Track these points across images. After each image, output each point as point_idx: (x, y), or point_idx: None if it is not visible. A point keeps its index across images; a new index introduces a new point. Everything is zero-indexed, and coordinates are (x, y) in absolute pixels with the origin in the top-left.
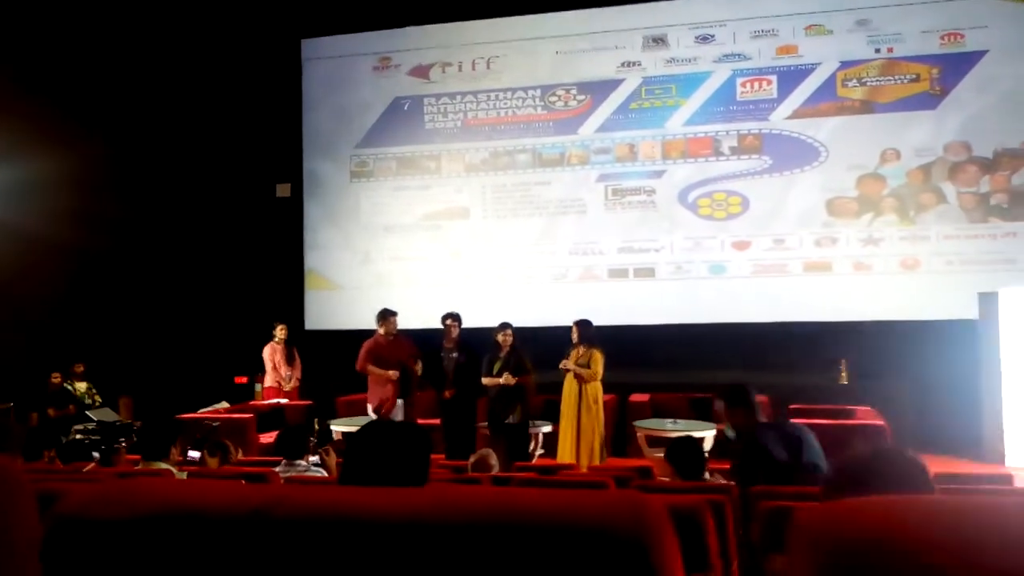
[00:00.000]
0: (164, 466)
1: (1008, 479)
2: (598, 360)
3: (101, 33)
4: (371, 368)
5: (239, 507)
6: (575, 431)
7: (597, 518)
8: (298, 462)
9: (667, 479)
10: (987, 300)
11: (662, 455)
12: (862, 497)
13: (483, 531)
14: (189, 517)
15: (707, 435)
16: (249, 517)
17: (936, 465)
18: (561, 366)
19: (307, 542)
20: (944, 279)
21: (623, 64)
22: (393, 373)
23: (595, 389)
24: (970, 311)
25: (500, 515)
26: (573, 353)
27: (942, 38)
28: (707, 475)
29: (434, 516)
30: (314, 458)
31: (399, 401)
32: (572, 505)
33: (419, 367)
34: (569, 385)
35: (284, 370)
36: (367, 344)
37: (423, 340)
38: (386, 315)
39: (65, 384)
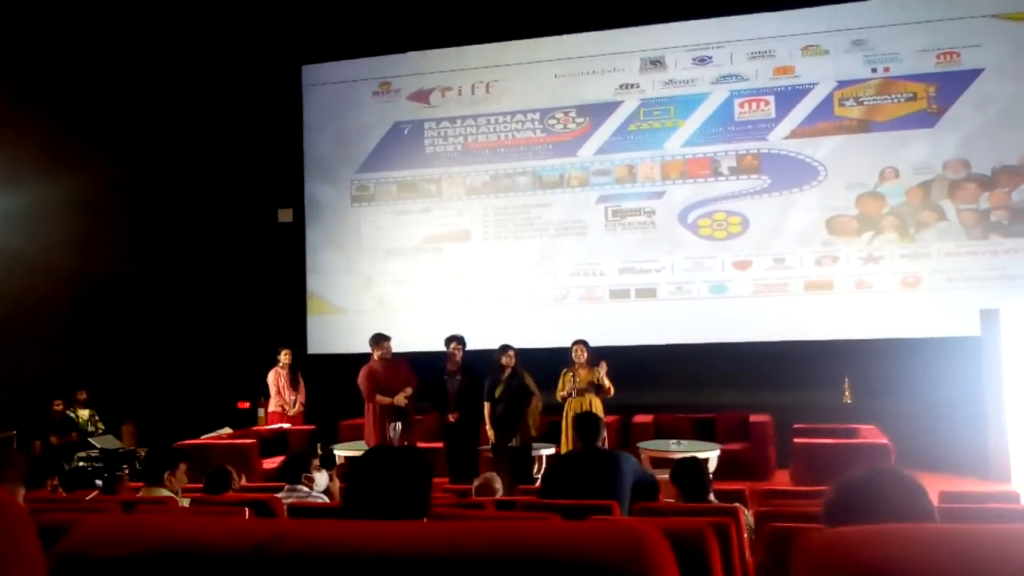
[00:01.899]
0: (166, 493)
1: (1015, 497)
2: (605, 378)
3: (104, 59)
4: (380, 398)
5: (241, 543)
6: None
7: (597, 550)
8: (300, 487)
9: (671, 500)
10: (989, 316)
11: (666, 476)
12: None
13: (483, 566)
14: (191, 554)
15: (711, 455)
16: (250, 554)
17: (942, 483)
18: (566, 395)
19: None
20: (945, 296)
21: (621, 86)
22: (399, 399)
23: (599, 407)
24: (972, 328)
25: (499, 549)
26: (579, 374)
27: (938, 57)
28: (711, 497)
29: (434, 551)
30: (320, 481)
31: (397, 425)
32: (572, 537)
33: (400, 398)
34: (576, 405)
35: (288, 395)
36: (364, 372)
37: (426, 363)
38: (379, 339)
39: (68, 412)
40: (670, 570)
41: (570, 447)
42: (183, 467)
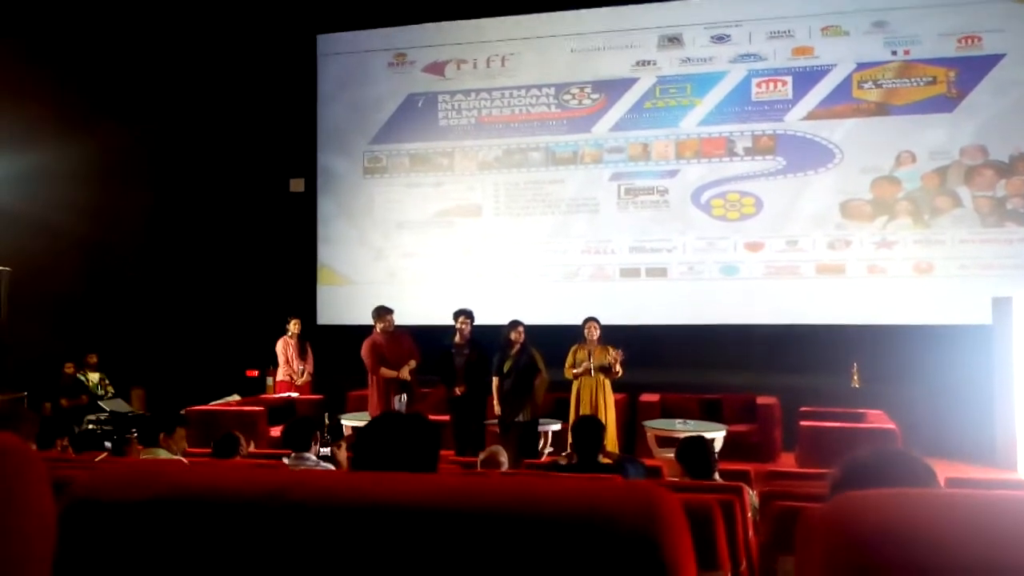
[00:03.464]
0: (165, 454)
1: (1021, 485)
2: (616, 356)
3: (120, 25)
4: (384, 371)
5: (255, 490)
6: None
7: (607, 509)
8: (307, 455)
9: (677, 479)
10: (1001, 305)
11: (672, 455)
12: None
13: (492, 518)
14: (205, 499)
15: (717, 436)
16: (264, 499)
17: (949, 470)
18: (582, 372)
19: (322, 524)
20: (958, 283)
21: (638, 63)
22: (404, 372)
23: (609, 389)
24: (984, 316)
25: (510, 503)
26: (595, 352)
27: (959, 41)
28: (717, 476)
29: (445, 501)
30: (325, 450)
31: (403, 397)
32: (583, 495)
33: (405, 371)
34: (593, 383)
35: (297, 364)
36: (368, 345)
37: (433, 337)
38: (382, 312)
39: (78, 374)
40: (682, 531)
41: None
42: (181, 431)
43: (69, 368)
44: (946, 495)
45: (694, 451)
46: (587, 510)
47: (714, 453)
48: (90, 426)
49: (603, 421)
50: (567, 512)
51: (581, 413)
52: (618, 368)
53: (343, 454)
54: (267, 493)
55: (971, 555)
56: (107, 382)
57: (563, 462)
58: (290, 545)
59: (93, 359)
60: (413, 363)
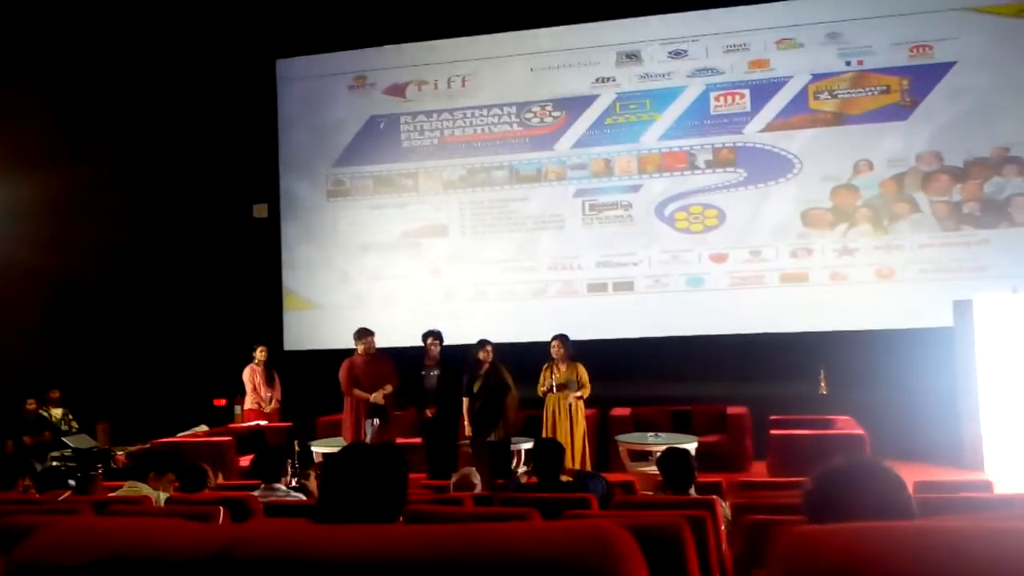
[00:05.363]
0: (148, 491)
1: (988, 485)
2: (584, 374)
3: (78, 56)
4: (357, 392)
5: (200, 549)
6: (568, 446)
7: (565, 552)
8: (277, 486)
9: (650, 493)
10: (962, 307)
11: (644, 469)
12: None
13: (452, 570)
14: (148, 560)
15: (689, 447)
16: (210, 560)
17: (916, 472)
18: (547, 390)
19: None
20: (919, 287)
21: (597, 80)
22: (376, 396)
23: (581, 402)
24: (945, 319)
25: (469, 553)
26: (559, 369)
27: (911, 50)
28: (692, 490)
29: (403, 555)
30: (294, 484)
31: (375, 420)
32: (541, 539)
33: (378, 395)
34: (556, 401)
35: (264, 391)
36: (345, 365)
37: (403, 358)
38: (363, 334)
39: (40, 411)
40: (637, 567)
41: (561, 439)
42: (171, 476)
43: (31, 404)
44: (907, 528)
45: (675, 462)
46: (547, 554)
47: (694, 466)
48: (54, 463)
49: (570, 437)
50: (526, 558)
51: (545, 429)
52: (575, 396)
53: (313, 483)
54: (215, 552)
55: None
56: (71, 417)
57: (523, 480)
58: None
59: (55, 394)
60: (389, 388)
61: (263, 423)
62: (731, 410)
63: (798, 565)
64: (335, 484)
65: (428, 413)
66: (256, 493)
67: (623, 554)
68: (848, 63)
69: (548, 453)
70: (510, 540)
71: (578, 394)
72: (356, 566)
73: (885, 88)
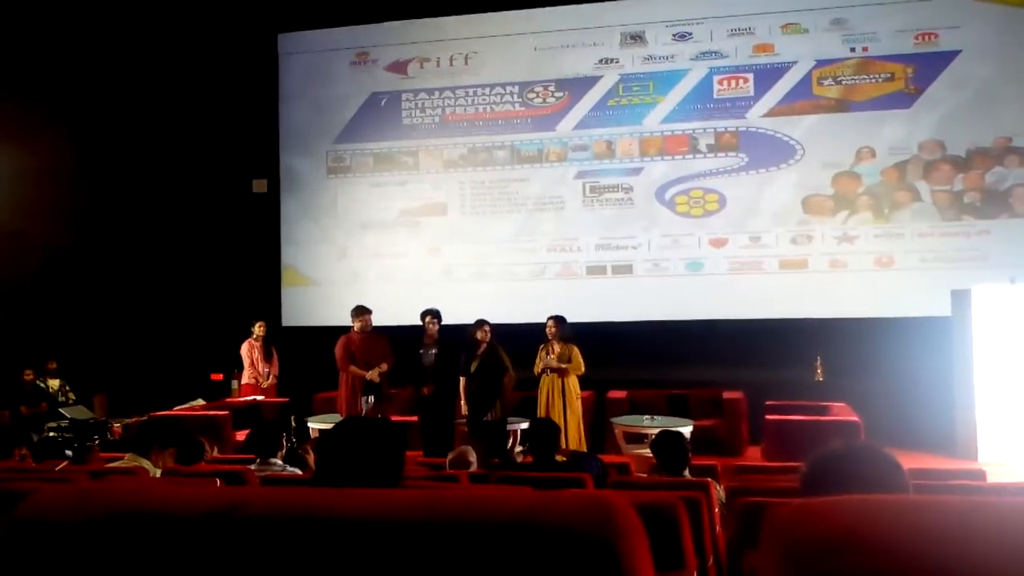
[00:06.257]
0: (147, 465)
1: (981, 475)
2: (578, 354)
3: (74, 25)
4: (353, 369)
5: (202, 507)
6: (563, 426)
7: (565, 519)
8: (273, 460)
9: (644, 475)
10: (960, 297)
11: (640, 451)
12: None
13: (451, 531)
14: (149, 517)
15: (684, 431)
16: (211, 517)
17: (910, 461)
18: (545, 366)
19: (274, 541)
20: (918, 276)
21: (601, 61)
22: (372, 374)
23: (576, 384)
24: (944, 308)
25: (469, 515)
26: (553, 349)
27: (916, 37)
28: (686, 472)
29: (402, 516)
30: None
31: (370, 398)
32: (541, 506)
33: (374, 373)
34: (551, 382)
35: (262, 367)
36: (341, 342)
37: (400, 337)
38: (361, 311)
39: (38, 381)
40: (638, 537)
41: (555, 419)
42: (172, 451)
43: (28, 375)
44: (906, 501)
45: (668, 445)
46: (545, 520)
47: (688, 448)
48: (50, 434)
49: (563, 416)
50: (526, 522)
51: (540, 410)
52: (566, 367)
53: (311, 457)
54: (216, 510)
55: (929, 562)
56: (68, 388)
57: (519, 460)
58: (244, 560)
59: (53, 365)
60: (384, 366)
61: (260, 398)
62: (727, 395)
63: (794, 539)
64: (332, 455)
65: (425, 391)
66: (252, 467)
67: (624, 524)
68: (853, 49)
69: (544, 433)
70: (513, 505)
71: (562, 365)
72: (357, 524)
73: (889, 75)
